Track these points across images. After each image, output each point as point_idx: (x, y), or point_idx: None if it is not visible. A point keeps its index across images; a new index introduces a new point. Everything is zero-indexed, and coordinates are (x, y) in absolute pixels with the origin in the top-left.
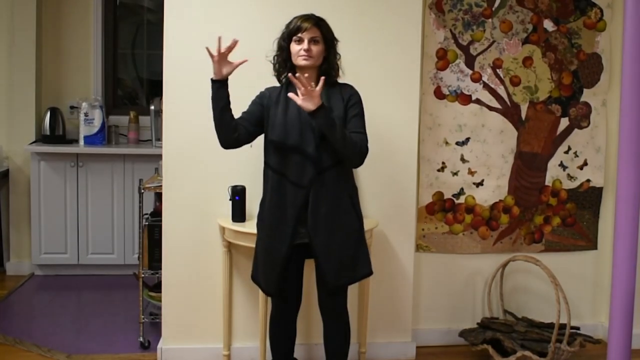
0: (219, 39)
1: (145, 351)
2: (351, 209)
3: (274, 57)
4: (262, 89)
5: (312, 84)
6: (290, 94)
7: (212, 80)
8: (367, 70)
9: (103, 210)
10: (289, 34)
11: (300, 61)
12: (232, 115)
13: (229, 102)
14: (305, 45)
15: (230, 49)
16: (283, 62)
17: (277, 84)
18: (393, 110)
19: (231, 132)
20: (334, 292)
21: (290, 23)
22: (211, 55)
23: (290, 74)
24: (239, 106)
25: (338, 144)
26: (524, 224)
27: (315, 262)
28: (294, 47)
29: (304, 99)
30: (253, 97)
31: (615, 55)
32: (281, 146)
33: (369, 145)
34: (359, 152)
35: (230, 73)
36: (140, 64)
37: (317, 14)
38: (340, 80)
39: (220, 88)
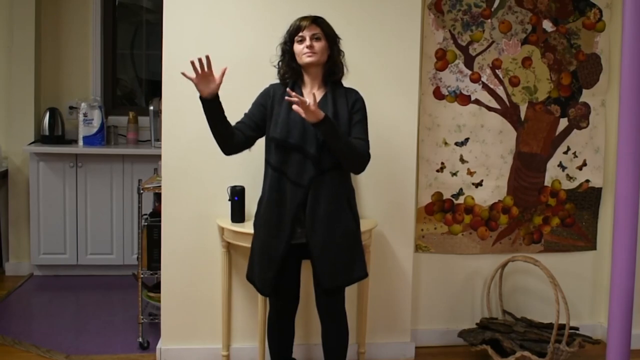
0: (192, 62)
1: (145, 352)
2: (348, 210)
3: (278, 63)
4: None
5: (305, 99)
6: (295, 107)
7: (201, 99)
8: (366, 71)
9: (102, 210)
10: (290, 36)
11: (305, 59)
12: (229, 126)
13: (223, 116)
14: (307, 42)
15: (209, 67)
16: (287, 65)
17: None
18: (392, 110)
19: (229, 141)
20: (330, 294)
21: (289, 27)
22: (190, 79)
23: (288, 89)
24: (242, 108)
25: (341, 153)
26: (523, 224)
27: (312, 263)
28: (297, 47)
29: (306, 114)
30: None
31: (614, 56)
32: (283, 144)
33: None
34: (360, 160)
35: (218, 88)
36: (139, 64)
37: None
38: (343, 80)
39: (211, 106)
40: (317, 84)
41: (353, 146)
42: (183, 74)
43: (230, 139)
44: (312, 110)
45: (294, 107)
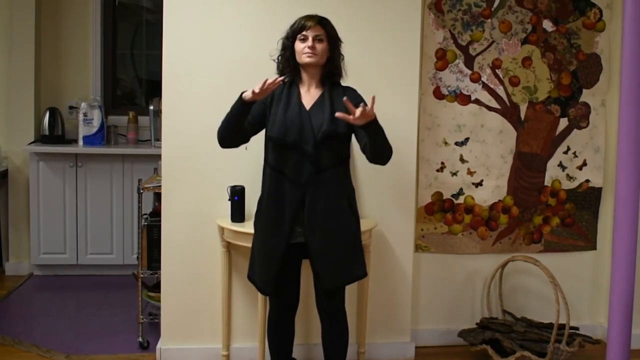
0: (266, 80)
1: (144, 351)
2: (348, 209)
3: (277, 57)
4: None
5: (367, 107)
6: (339, 114)
7: (242, 98)
8: (366, 71)
9: (102, 210)
10: (293, 33)
11: (304, 59)
12: (245, 127)
13: (247, 117)
14: (309, 42)
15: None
16: (286, 61)
17: None
18: (392, 110)
19: (237, 137)
20: (330, 293)
21: (294, 23)
22: (264, 87)
23: (345, 98)
24: None
25: (382, 147)
26: (523, 224)
27: (311, 262)
28: (299, 46)
29: (357, 119)
30: None
31: (614, 56)
32: (280, 144)
33: None
34: (391, 150)
35: (265, 95)
36: (139, 64)
37: (318, 14)
38: (342, 81)
39: (248, 107)
40: (315, 84)
41: (386, 138)
42: (253, 91)
43: (239, 135)
44: (370, 113)
45: (338, 114)
